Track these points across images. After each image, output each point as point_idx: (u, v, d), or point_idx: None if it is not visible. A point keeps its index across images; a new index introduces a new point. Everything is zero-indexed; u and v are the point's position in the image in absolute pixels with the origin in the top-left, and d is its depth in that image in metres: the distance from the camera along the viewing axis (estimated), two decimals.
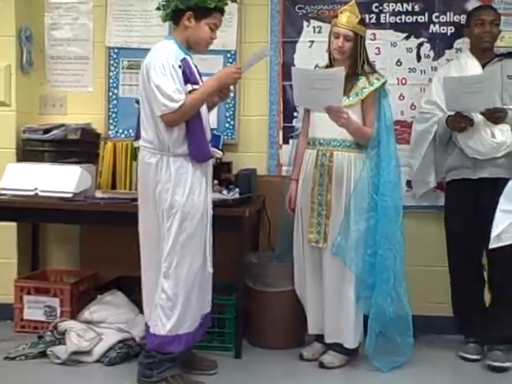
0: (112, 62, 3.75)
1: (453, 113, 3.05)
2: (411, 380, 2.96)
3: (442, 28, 3.53)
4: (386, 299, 2.94)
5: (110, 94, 3.76)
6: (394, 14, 3.56)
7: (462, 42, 3.43)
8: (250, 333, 3.29)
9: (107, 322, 3.18)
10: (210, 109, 2.90)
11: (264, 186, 3.55)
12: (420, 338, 3.18)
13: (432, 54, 3.54)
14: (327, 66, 3.13)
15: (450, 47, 3.52)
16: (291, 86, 3.07)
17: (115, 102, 3.76)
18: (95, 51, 3.76)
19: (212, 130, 3.06)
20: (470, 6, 3.41)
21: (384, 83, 3.06)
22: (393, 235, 2.98)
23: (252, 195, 3.33)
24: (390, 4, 3.56)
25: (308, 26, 3.62)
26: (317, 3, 3.60)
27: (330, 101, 2.84)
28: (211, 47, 2.86)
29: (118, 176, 3.46)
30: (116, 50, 3.75)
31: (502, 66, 3.10)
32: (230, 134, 3.69)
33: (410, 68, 3.56)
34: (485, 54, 3.15)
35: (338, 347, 3.05)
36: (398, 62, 3.57)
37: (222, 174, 3.42)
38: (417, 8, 3.54)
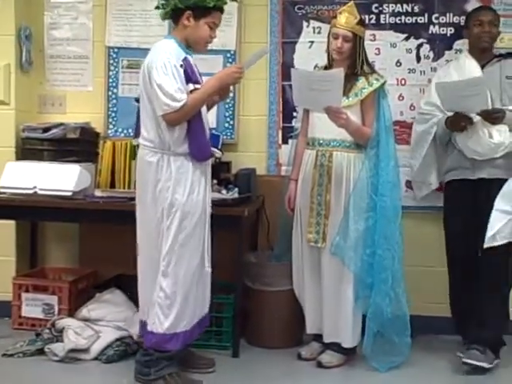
0: (111, 61, 3.76)
1: (451, 114, 3.05)
2: (409, 380, 2.96)
3: (441, 29, 3.54)
4: (384, 299, 2.94)
5: (110, 93, 3.76)
6: (394, 14, 3.57)
7: (462, 43, 3.43)
8: (247, 332, 3.30)
9: (105, 320, 3.19)
10: (209, 108, 2.91)
11: (263, 186, 3.56)
12: (418, 338, 3.18)
13: (431, 54, 3.55)
14: (326, 67, 3.14)
15: (450, 48, 3.52)
16: (291, 86, 3.08)
17: (115, 101, 3.76)
18: (95, 51, 3.77)
19: (211, 129, 3.07)
20: (469, 7, 3.42)
21: (383, 84, 3.07)
22: (391, 235, 2.98)
23: (251, 195, 3.33)
24: (390, 5, 3.57)
25: (308, 26, 3.62)
26: (316, 4, 3.61)
27: (329, 101, 2.85)
28: (211, 47, 2.87)
29: (117, 175, 3.47)
30: (116, 50, 3.75)
31: (500, 67, 3.12)
32: (229, 134, 3.69)
33: (409, 69, 3.57)
34: (484, 54, 3.16)
35: (335, 347, 3.05)
36: (398, 63, 3.58)
37: (221, 174, 3.42)
38: (416, 9, 3.55)
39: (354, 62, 3.03)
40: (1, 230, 3.57)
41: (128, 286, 3.30)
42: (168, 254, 2.67)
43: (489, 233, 2.55)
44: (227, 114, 3.70)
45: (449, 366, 3.07)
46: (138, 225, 2.78)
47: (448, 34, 3.54)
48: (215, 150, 3.22)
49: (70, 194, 3.23)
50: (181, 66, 2.63)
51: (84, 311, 3.23)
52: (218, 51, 3.52)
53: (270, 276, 3.25)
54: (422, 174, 3.34)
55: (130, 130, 3.55)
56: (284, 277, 3.22)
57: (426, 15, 3.55)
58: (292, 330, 3.27)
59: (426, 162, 3.29)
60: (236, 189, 3.27)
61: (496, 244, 2.58)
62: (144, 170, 2.72)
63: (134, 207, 2.81)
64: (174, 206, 2.66)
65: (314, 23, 3.61)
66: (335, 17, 3.04)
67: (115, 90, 3.76)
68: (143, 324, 2.80)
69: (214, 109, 3.30)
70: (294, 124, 3.63)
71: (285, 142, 3.65)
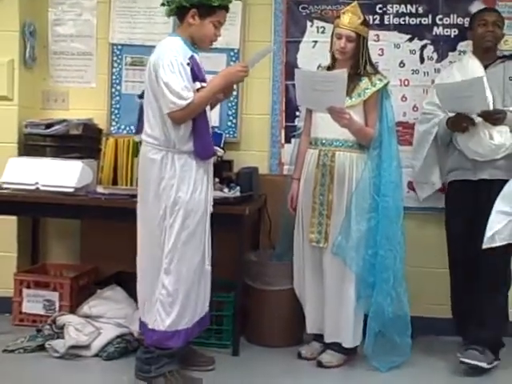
0: (115, 58, 3.76)
1: (453, 114, 3.05)
2: (409, 380, 2.96)
3: (445, 30, 3.54)
4: (385, 299, 2.95)
5: (113, 90, 3.76)
6: (398, 15, 3.56)
7: (466, 45, 3.43)
8: (248, 330, 3.30)
9: (106, 316, 3.19)
10: (212, 106, 2.91)
11: (265, 185, 3.56)
12: (419, 339, 3.19)
13: (435, 56, 3.55)
14: (329, 67, 3.14)
15: (454, 49, 3.52)
16: (294, 85, 3.08)
17: (118, 98, 3.76)
18: (98, 47, 3.77)
19: (214, 127, 3.07)
20: (473, 9, 3.42)
21: (386, 84, 3.07)
22: (393, 236, 2.98)
23: (253, 194, 3.33)
24: (394, 5, 3.57)
25: (311, 26, 3.62)
26: (320, 3, 3.61)
27: (332, 102, 2.85)
28: (215, 45, 2.86)
29: (120, 172, 3.46)
30: (119, 47, 3.75)
31: (504, 68, 3.12)
32: (232, 133, 3.69)
33: (413, 70, 3.57)
34: (487, 54, 3.16)
35: (336, 346, 3.05)
36: (401, 64, 3.58)
37: (223, 172, 3.42)
38: (421, 10, 3.55)
39: (357, 63, 3.03)
40: (2, 225, 3.57)
41: (129, 282, 3.29)
42: (171, 252, 2.67)
43: (488, 233, 2.55)
44: (230, 113, 3.70)
45: (449, 367, 3.07)
46: (140, 222, 2.78)
47: (452, 36, 3.54)
48: (217, 148, 3.23)
49: (71, 190, 3.23)
50: (188, 64, 2.63)
51: (85, 308, 3.23)
52: (221, 50, 3.52)
53: (270, 275, 3.25)
54: (425, 174, 3.34)
55: (133, 127, 3.56)
56: (285, 276, 3.22)
57: (430, 16, 3.55)
58: (292, 329, 3.28)
59: (428, 162, 3.29)
60: (238, 187, 3.27)
61: (495, 245, 2.57)
62: (147, 167, 2.72)
63: (135, 204, 2.81)
64: (177, 204, 2.66)
65: (317, 23, 3.62)
66: (338, 17, 3.04)
67: (118, 87, 3.76)
68: (143, 322, 2.79)
69: (217, 107, 3.30)
70: (296, 123, 3.62)
71: (287, 141, 3.65)
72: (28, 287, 3.44)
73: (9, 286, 3.49)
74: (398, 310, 2.99)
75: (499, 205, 2.59)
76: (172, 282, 2.67)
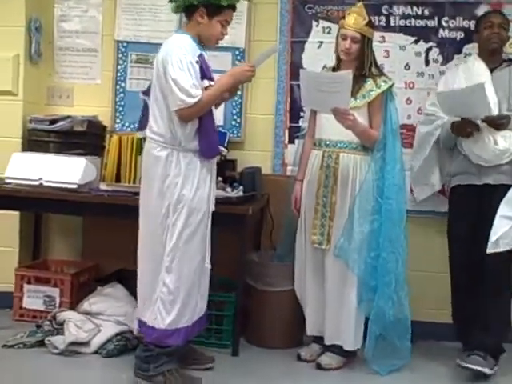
0: (120, 55, 3.76)
1: (458, 118, 3.04)
2: None
3: (451, 33, 3.53)
4: (387, 302, 2.94)
5: (118, 87, 3.76)
6: (404, 17, 3.55)
7: (472, 48, 3.42)
8: (248, 331, 3.30)
9: (106, 314, 3.19)
10: (217, 105, 2.91)
11: (268, 185, 3.55)
12: (419, 343, 3.18)
13: (440, 58, 3.54)
14: (334, 68, 3.13)
15: (459, 52, 3.51)
16: (299, 85, 3.07)
17: (122, 95, 3.76)
18: (104, 44, 3.77)
19: (217, 126, 3.06)
20: (479, 12, 3.41)
21: (391, 86, 3.06)
22: (396, 238, 2.98)
23: (256, 193, 3.32)
24: (400, 7, 3.56)
25: (317, 26, 3.62)
26: (326, 4, 3.60)
27: (337, 103, 2.85)
28: (220, 43, 2.86)
29: (123, 169, 3.47)
30: (125, 44, 3.75)
31: (510, 72, 3.11)
32: (235, 132, 3.69)
33: (418, 72, 3.56)
34: (493, 57, 3.15)
35: (336, 349, 3.04)
36: (407, 66, 3.57)
37: (226, 172, 3.42)
38: (426, 12, 3.54)
39: (362, 64, 3.02)
40: (5, 220, 3.58)
41: (129, 280, 3.29)
42: (172, 250, 2.67)
43: (492, 238, 2.54)
44: (234, 112, 3.69)
45: (449, 372, 3.06)
46: (141, 219, 2.77)
47: (457, 38, 3.53)
48: (221, 147, 3.22)
49: (75, 186, 3.24)
50: (196, 62, 2.64)
51: (85, 305, 3.23)
52: (227, 48, 3.51)
53: (272, 276, 3.25)
54: (424, 175, 3.32)
55: (137, 125, 3.55)
56: (286, 277, 3.21)
57: (436, 19, 3.54)
58: (292, 331, 3.27)
59: (428, 164, 3.27)
60: (241, 187, 3.27)
61: (499, 250, 2.57)
62: (151, 164, 2.71)
63: (138, 202, 2.80)
64: (181, 201, 2.66)
65: (323, 23, 3.61)
66: (344, 18, 3.04)
67: (123, 84, 3.76)
68: (141, 321, 2.78)
69: (222, 106, 3.29)
70: (300, 124, 3.62)
71: (291, 141, 3.65)
72: (29, 283, 3.44)
73: (10, 280, 3.50)
74: (399, 314, 2.99)
75: (503, 209, 2.58)
76: (173, 281, 2.67)
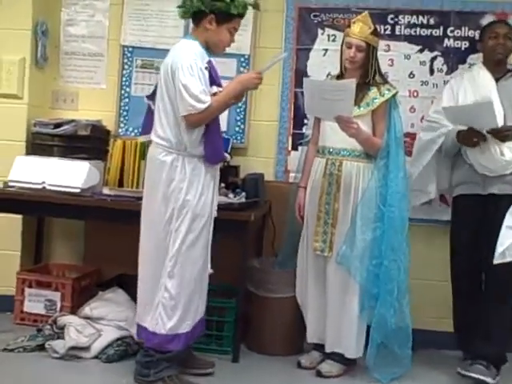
0: (126, 60, 3.77)
1: (464, 127, 3.03)
2: None
3: (456, 42, 3.53)
4: (389, 310, 2.93)
5: (122, 91, 3.77)
6: (409, 26, 3.56)
7: (477, 58, 3.41)
8: (248, 337, 3.29)
9: (107, 318, 3.18)
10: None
11: (271, 192, 3.55)
12: (420, 352, 3.17)
13: (445, 68, 3.54)
14: (339, 76, 3.13)
15: (464, 62, 3.52)
16: (303, 93, 3.08)
17: (127, 100, 3.77)
18: (109, 49, 3.79)
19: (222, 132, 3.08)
20: (485, 22, 3.42)
21: (395, 94, 3.06)
22: (398, 246, 2.97)
23: (258, 200, 3.32)
24: (406, 16, 3.56)
25: (323, 33, 3.63)
26: (332, 12, 3.61)
27: (340, 111, 2.86)
28: (226, 50, 2.86)
29: (126, 174, 3.47)
30: (130, 49, 3.76)
31: None
32: (239, 138, 3.69)
33: (422, 81, 3.56)
34: (498, 67, 3.15)
35: (336, 356, 3.03)
36: (411, 75, 3.57)
37: (229, 178, 3.42)
38: (432, 21, 3.55)
39: (366, 72, 3.03)
40: (8, 223, 3.58)
41: (130, 285, 3.29)
42: (175, 255, 2.67)
43: (499, 249, 2.55)
44: (238, 118, 3.70)
45: (450, 381, 3.05)
46: (144, 224, 2.77)
47: (462, 48, 3.53)
48: (225, 153, 3.22)
49: (78, 190, 3.24)
50: (206, 68, 2.66)
51: (86, 309, 3.22)
52: (232, 55, 3.51)
53: (273, 282, 3.24)
54: (421, 182, 3.29)
55: (140, 129, 3.56)
56: (287, 284, 3.20)
57: (442, 28, 3.55)
58: (293, 338, 3.26)
59: (427, 171, 3.25)
60: (243, 193, 3.26)
61: (506, 261, 2.57)
62: (156, 169, 2.71)
63: (141, 207, 2.80)
64: (185, 207, 2.67)
65: (329, 31, 3.62)
66: (349, 26, 3.05)
67: (128, 89, 3.77)
68: (141, 326, 2.78)
69: (226, 112, 3.29)
70: (304, 131, 3.62)
71: (294, 148, 3.65)
72: (30, 286, 3.44)
73: (12, 284, 3.49)
74: (400, 322, 2.98)
75: (509, 220, 2.58)
76: (175, 286, 2.67)
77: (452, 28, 3.53)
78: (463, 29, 3.53)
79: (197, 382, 2.80)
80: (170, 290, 2.67)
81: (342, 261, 2.97)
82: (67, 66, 3.82)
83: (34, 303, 3.43)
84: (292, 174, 3.58)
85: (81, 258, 3.77)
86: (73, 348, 2.99)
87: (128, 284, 3.33)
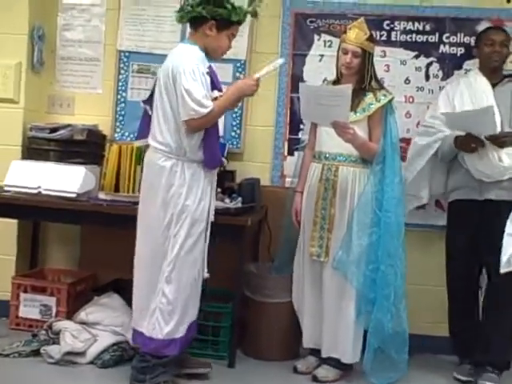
0: (122, 65, 3.77)
1: (462, 133, 3.04)
2: None
3: (451, 48, 3.55)
4: (385, 315, 2.93)
5: (119, 96, 3.77)
6: (405, 32, 3.58)
7: (472, 64, 3.43)
8: (245, 343, 3.28)
9: (103, 324, 3.17)
10: None
11: (267, 197, 3.55)
12: (416, 357, 3.17)
13: (441, 73, 3.56)
14: (335, 81, 3.15)
15: (459, 68, 3.53)
16: (299, 98, 3.08)
17: (123, 104, 3.77)
18: (106, 54, 3.79)
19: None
20: (480, 28, 3.43)
21: (391, 100, 3.08)
22: (395, 251, 2.98)
23: (255, 205, 3.32)
24: (402, 22, 3.58)
25: (319, 39, 3.64)
26: (328, 18, 3.62)
27: (336, 116, 2.87)
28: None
29: (122, 179, 3.47)
30: (127, 54, 3.77)
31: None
32: (235, 143, 3.70)
33: (417, 87, 3.58)
34: (494, 74, 3.16)
35: (332, 361, 3.03)
36: (407, 80, 3.59)
37: (225, 183, 3.42)
38: (428, 28, 3.57)
39: (362, 78, 3.04)
40: (3, 228, 3.57)
41: (126, 290, 3.27)
42: (173, 260, 2.67)
43: (503, 258, 2.55)
44: (234, 123, 3.70)
45: None
46: (141, 229, 2.77)
47: (458, 54, 3.55)
48: (222, 158, 3.23)
49: (74, 195, 3.23)
50: (207, 73, 2.67)
51: (82, 314, 3.21)
52: (228, 60, 3.51)
53: (269, 288, 3.24)
54: (415, 187, 3.29)
55: (136, 134, 3.56)
56: (284, 289, 3.20)
57: (437, 34, 3.56)
58: (289, 343, 3.26)
59: (421, 176, 3.25)
60: (239, 198, 3.26)
61: None
62: (155, 174, 2.71)
63: (137, 211, 2.80)
64: (184, 212, 2.67)
65: (325, 36, 3.63)
66: (345, 32, 3.06)
67: (124, 94, 3.77)
68: (137, 331, 2.77)
69: (222, 117, 3.30)
70: (300, 136, 3.63)
71: (290, 153, 3.66)
72: (25, 291, 3.43)
73: (7, 289, 3.48)
74: (397, 327, 2.98)
75: (510, 228, 2.59)
76: (172, 291, 2.67)
77: (448, 34, 3.55)
78: (459, 35, 3.54)
79: None
80: (168, 295, 2.67)
81: (338, 266, 2.97)
82: (63, 70, 3.82)
83: (29, 308, 3.41)
84: (288, 179, 3.59)
85: (76, 263, 3.76)
86: (68, 353, 2.98)
87: (124, 289, 3.31)
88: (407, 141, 3.51)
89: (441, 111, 3.14)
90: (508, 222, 2.58)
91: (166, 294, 2.67)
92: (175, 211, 2.66)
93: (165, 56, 2.84)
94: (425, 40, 3.57)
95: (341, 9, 3.61)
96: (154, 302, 2.69)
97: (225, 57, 3.04)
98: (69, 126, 3.55)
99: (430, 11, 3.55)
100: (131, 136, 3.72)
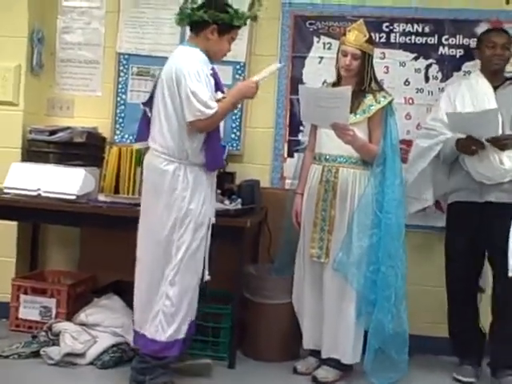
0: (122, 67, 3.78)
1: (463, 135, 3.03)
2: None
3: (451, 50, 3.56)
4: (386, 316, 2.93)
5: (118, 99, 3.78)
6: (404, 34, 3.59)
7: (472, 65, 3.44)
8: (245, 344, 3.28)
9: (102, 325, 3.17)
10: None
11: (266, 199, 3.55)
12: (417, 357, 3.17)
13: (440, 75, 3.56)
14: (334, 83, 3.15)
15: (459, 69, 3.54)
16: (298, 100, 3.09)
17: (123, 107, 3.78)
18: (105, 56, 3.79)
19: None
20: (479, 30, 3.43)
21: (391, 101, 3.08)
22: (395, 253, 2.98)
23: (254, 206, 3.33)
24: (401, 24, 3.59)
25: (318, 41, 3.65)
26: (328, 20, 3.63)
27: (336, 118, 2.87)
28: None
29: (122, 181, 3.48)
30: (126, 56, 3.77)
31: None
32: (235, 145, 3.70)
33: (417, 88, 3.58)
34: (495, 76, 3.15)
35: (332, 362, 3.03)
36: (406, 82, 3.59)
37: (225, 184, 3.42)
38: (427, 29, 3.57)
39: (362, 80, 3.04)
40: (3, 230, 3.57)
41: (126, 292, 3.28)
42: (178, 264, 2.67)
43: (510, 262, 2.55)
44: (234, 125, 3.71)
45: None
46: (143, 233, 2.76)
47: (457, 56, 3.55)
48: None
49: (73, 197, 3.23)
50: (211, 74, 2.69)
51: (82, 316, 3.21)
52: (227, 62, 3.52)
53: (269, 289, 3.24)
54: (417, 189, 3.27)
55: (135, 136, 3.56)
56: (284, 290, 3.20)
57: (436, 36, 3.57)
58: (289, 344, 3.26)
59: (424, 178, 3.24)
60: (239, 200, 3.27)
61: None
62: (158, 178, 2.70)
63: (137, 213, 2.81)
64: (188, 216, 2.67)
65: (324, 39, 3.64)
66: (344, 34, 3.07)
67: (124, 96, 3.78)
68: (138, 332, 2.77)
69: None
70: (300, 138, 3.64)
71: (290, 155, 3.66)
72: (25, 293, 3.43)
73: (7, 290, 3.48)
74: (398, 327, 2.98)
75: None
76: (176, 294, 2.67)
77: (447, 36, 3.56)
78: (458, 37, 3.55)
79: None
80: (172, 297, 2.67)
81: (338, 267, 2.97)
82: (63, 73, 3.82)
83: (29, 310, 3.42)
84: (288, 181, 3.60)
85: (76, 265, 3.76)
86: (68, 354, 2.98)
87: (124, 290, 3.32)
88: (407, 142, 3.51)
89: (444, 111, 3.12)
90: None
91: (169, 296, 2.67)
92: (179, 215, 2.67)
93: (164, 58, 2.85)
94: (424, 42, 3.58)
95: (340, 11, 3.61)
96: (157, 304, 2.69)
97: (224, 59, 3.05)
98: (68, 128, 3.56)
99: (428, 13, 3.56)
100: (131, 138, 3.71)
